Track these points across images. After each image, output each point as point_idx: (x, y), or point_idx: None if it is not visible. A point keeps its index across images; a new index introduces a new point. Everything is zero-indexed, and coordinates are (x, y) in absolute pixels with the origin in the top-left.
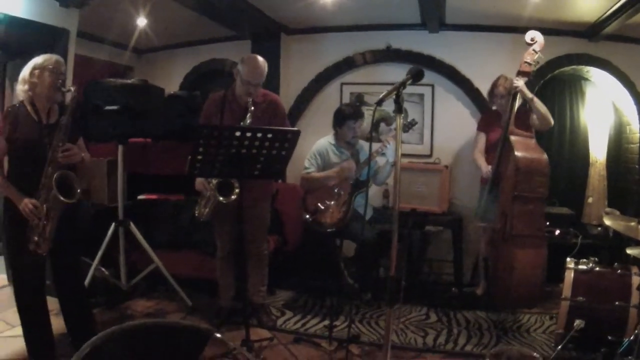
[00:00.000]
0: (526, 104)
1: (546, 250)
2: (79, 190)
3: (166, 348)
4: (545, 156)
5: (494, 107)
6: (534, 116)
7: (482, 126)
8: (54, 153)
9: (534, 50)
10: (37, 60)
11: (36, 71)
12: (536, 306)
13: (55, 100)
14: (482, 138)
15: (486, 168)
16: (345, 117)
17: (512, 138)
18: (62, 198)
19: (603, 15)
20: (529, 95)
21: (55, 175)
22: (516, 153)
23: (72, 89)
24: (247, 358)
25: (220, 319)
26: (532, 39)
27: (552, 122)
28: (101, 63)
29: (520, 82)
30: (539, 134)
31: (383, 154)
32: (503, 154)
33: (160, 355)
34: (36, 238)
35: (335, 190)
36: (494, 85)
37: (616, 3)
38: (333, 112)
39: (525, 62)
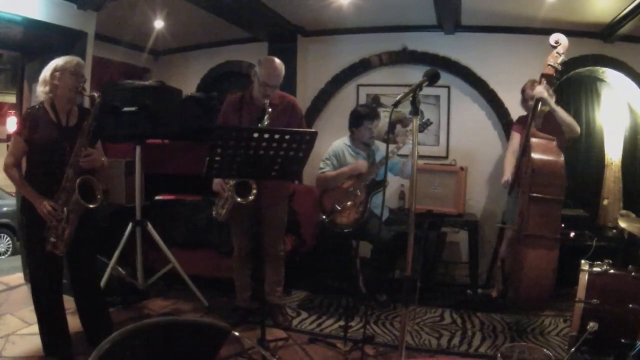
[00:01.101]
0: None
1: (558, 253)
2: (99, 196)
3: (184, 345)
4: (561, 159)
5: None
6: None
7: (518, 128)
8: (76, 157)
9: (557, 52)
10: (58, 62)
11: (57, 73)
12: (546, 309)
13: (75, 103)
14: (516, 139)
15: (507, 176)
16: (361, 117)
17: (532, 140)
18: (85, 203)
19: (618, 16)
20: (552, 105)
21: (78, 181)
22: (532, 155)
23: (96, 94)
24: (264, 356)
25: (236, 318)
26: (556, 42)
27: (578, 129)
28: (118, 65)
29: (544, 94)
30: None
31: (402, 156)
32: (524, 156)
33: (178, 352)
34: (53, 239)
35: (351, 190)
36: (523, 89)
37: (631, 4)
38: (349, 113)
39: (549, 64)
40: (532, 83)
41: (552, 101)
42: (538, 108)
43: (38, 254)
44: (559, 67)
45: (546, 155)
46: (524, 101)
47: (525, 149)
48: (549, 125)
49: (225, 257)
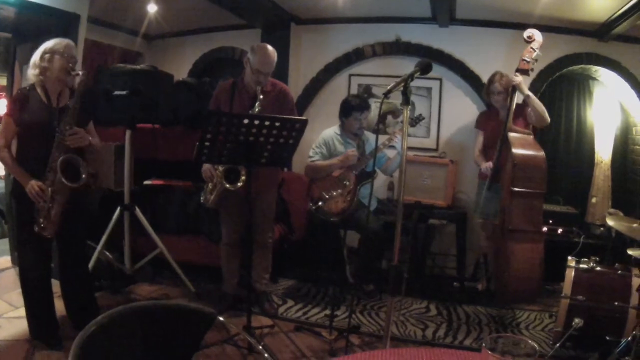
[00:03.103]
0: (524, 101)
1: (543, 246)
2: (84, 175)
3: (170, 329)
4: (542, 153)
5: (494, 104)
6: (531, 112)
7: (480, 124)
8: (61, 136)
9: (532, 48)
10: (48, 44)
11: (46, 55)
12: (534, 302)
13: (66, 84)
14: (481, 136)
15: (485, 164)
16: (351, 108)
17: (511, 135)
18: (65, 182)
19: (613, 15)
20: (526, 91)
21: (59, 159)
22: (513, 150)
23: (81, 72)
24: (249, 343)
25: (223, 305)
26: (529, 37)
27: (548, 120)
28: (111, 48)
29: (519, 78)
30: (540, 130)
31: (392, 147)
32: (502, 150)
33: (163, 336)
34: (41, 220)
35: (341, 180)
36: (490, 82)
37: (627, 3)
38: (340, 103)
39: (524, 59)
40: (502, 76)
41: (525, 88)
42: (515, 98)
43: (28, 236)
44: (534, 62)
45: (526, 149)
46: (490, 93)
47: (503, 144)
48: (517, 118)
49: (213, 243)
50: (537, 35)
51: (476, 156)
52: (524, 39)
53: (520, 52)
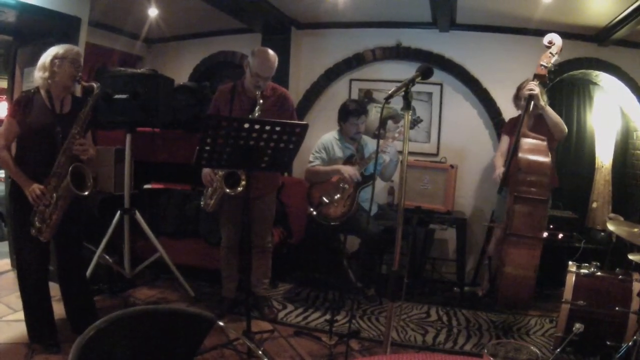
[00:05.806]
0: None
1: (540, 253)
2: (89, 184)
3: (169, 334)
4: (548, 159)
5: (519, 111)
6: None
7: (507, 130)
8: (70, 144)
9: (551, 53)
10: (59, 50)
11: (57, 61)
12: (529, 309)
13: (70, 91)
14: (505, 141)
15: (499, 170)
16: (348, 113)
17: (522, 140)
18: (75, 190)
19: (613, 20)
20: (541, 103)
21: (71, 167)
22: (519, 154)
23: (95, 85)
24: (249, 348)
25: (223, 309)
26: (550, 42)
27: (565, 131)
28: (111, 52)
29: (536, 90)
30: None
31: (386, 152)
32: (514, 155)
33: (162, 341)
34: (38, 224)
35: (341, 185)
36: (519, 89)
37: (627, 8)
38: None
39: (542, 64)
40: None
41: (542, 100)
42: (530, 106)
43: (26, 239)
44: (552, 68)
45: (533, 155)
46: (517, 99)
47: (515, 148)
48: (539, 127)
49: (213, 247)
50: (557, 40)
51: (495, 160)
52: (544, 45)
53: (520, 56)
